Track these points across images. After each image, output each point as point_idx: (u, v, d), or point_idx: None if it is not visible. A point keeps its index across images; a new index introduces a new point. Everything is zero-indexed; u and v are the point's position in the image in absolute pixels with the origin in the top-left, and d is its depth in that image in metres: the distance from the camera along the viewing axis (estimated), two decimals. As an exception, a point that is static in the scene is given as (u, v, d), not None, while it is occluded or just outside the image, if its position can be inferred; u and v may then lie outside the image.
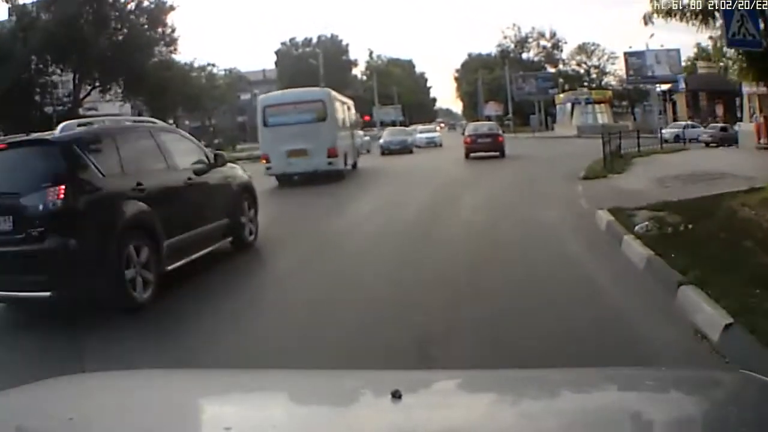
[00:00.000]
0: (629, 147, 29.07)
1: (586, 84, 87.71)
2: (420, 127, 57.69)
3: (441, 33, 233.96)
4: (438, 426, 1.97)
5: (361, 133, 40.21)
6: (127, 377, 2.64)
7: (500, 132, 33.78)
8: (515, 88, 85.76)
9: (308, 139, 19.93)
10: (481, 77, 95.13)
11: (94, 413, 2.08)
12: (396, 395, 1.93)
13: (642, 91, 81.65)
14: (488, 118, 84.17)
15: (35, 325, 7.11)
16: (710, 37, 18.24)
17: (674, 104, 63.09)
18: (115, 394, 2.27)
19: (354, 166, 24.51)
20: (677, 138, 41.34)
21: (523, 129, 73.01)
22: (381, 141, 40.03)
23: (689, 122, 48.41)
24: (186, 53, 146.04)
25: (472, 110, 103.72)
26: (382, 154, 37.43)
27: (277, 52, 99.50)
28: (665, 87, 65.16)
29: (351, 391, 2.26)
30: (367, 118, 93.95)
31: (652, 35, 66.07)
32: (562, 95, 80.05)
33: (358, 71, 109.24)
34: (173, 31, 45.30)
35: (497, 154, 30.22)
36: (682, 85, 61.48)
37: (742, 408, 2.07)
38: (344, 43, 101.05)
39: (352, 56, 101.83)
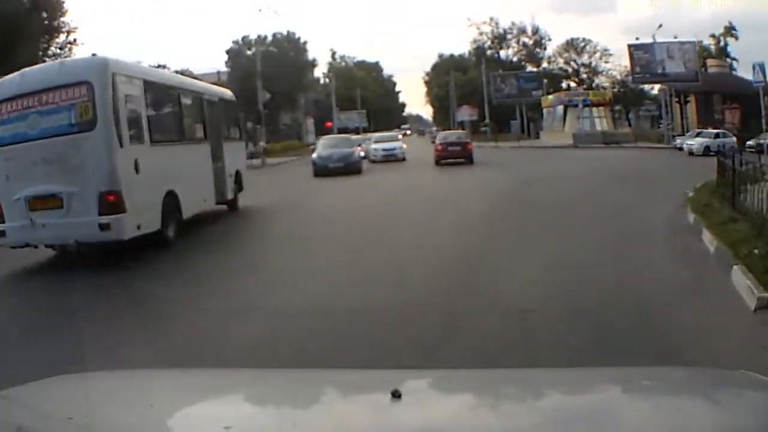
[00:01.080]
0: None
1: (575, 85, 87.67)
2: (376, 135, 49.65)
3: (412, 35, 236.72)
4: (438, 426, 2.13)
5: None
6: (127, 377, 2.82)
7: (469, 141, 39.74)
8: (493, 89, 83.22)
9: (59, 172, 11.70)
10: (453, 79, 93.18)
11: (94, 413, 2.23)
12: (396, 395, 2.08)
13: (638, 94, 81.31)
14: (461, 125, 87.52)
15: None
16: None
17: (682, 108, 61.45)
18: (115, 394, 2.48)
19: (232, 205, 18.16)
20: (707, 150, 38.34)
21: (503, 137, 71.35)
22: (313, 155, 33.22)
23: (719, 130, 44.87)
24: (134, 53, 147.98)
25: (443, 115, 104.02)
26: (316, 175, 31.21)
27: (228, 52, 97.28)
28: (659, 88, 64.21)
29: (351, 390, 2.47)
30: (328, 124, 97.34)
31: (660, 26, 61.41)
32: (550, 97, 77.33)
33: (319, 73, 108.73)
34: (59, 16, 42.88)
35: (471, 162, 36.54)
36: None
37: (742, 408, 2.24)
38: (302, 41, 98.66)
39: (312, 56, 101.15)
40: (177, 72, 75.78)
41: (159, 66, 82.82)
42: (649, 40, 59.73)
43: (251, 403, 2.45)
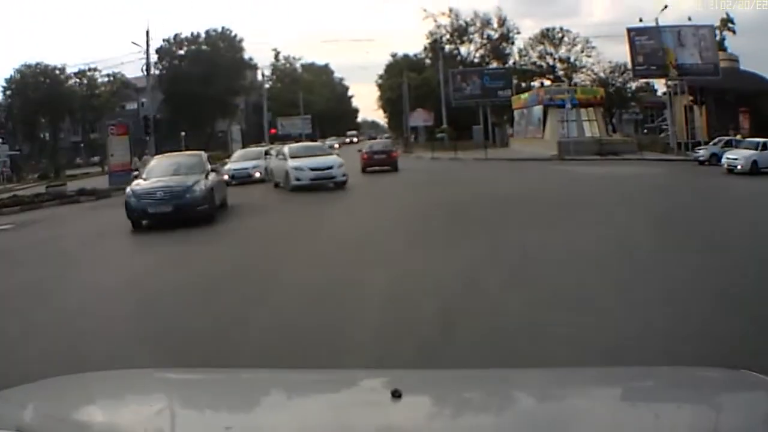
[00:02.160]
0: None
1: (549, 83, 75.96)
2: (292, 147, 34.02)
3: (369, 36, 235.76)
4: (438, 426, 2.30)
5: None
6: (126, 377, 2.96)
7: (394, 149, 43.79)
8: (452, 89, 74.70)
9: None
10: (407, 80, 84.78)
11: (94, 413, 2.38)
12: (396, 395, 2.20)
13: (624, 94, 75.91)
14: (414, 131, 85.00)
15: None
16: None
17: (687, 110, 53.15)
18: (115, 394, 2.61)
19: None
20: (755, 166, 32.57)
21: (464, 145, 62.22)
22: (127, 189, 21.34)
23: (761, 139, 35.35)
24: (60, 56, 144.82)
25: (397, 121, 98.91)
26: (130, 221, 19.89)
27: (158, 51, 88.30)
28: (668, 83, 55.14)
29: (351, 390, 2.63)
30: (273, 131, 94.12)
31: (665, 7, 55.33)
32: (525, 95, 69.06)
33: (260, 75, 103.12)
34: None
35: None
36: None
37: (742, 408, 2.35)
38: (238, 38, 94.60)
39: (249, 56, 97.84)
40: (107, 77, 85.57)
41: (89, 69, 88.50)
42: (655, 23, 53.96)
43: (251, 403, 2.53)
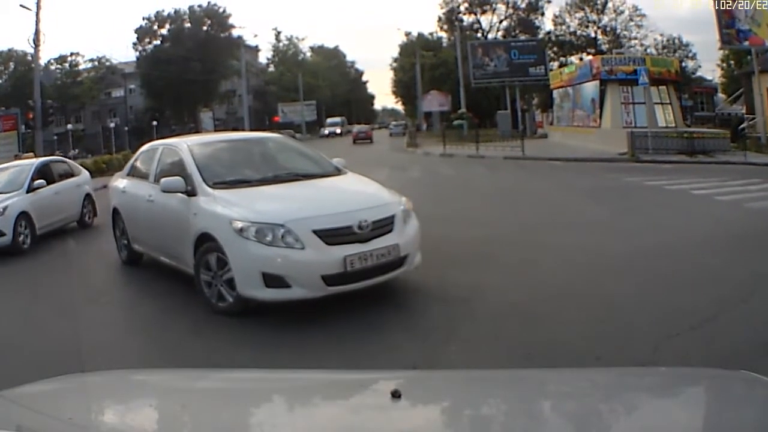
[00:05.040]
0: None
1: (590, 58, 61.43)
2: (199, 148, 11.97)
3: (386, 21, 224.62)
4: (438, 426, 2.37)
5: None
6: (126, 377, 3.09)
7: (369, 130, 73.22)
8: (471, 67, 63.22)
9: None
10: (420, 60, 76.86)
11: (94, 413, 2.47)
12: (396, 395, 2.27)
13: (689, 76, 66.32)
14: (428, 117, 79.01)
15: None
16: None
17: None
18: (115, 394, 2.71)
19: None
20: None
21: (487, 134, 50.36)
22: None
23: None
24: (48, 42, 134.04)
25: (411, 106, 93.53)
26: None
27: (137, 31, 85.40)
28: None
29: (351, 391, 2.67)
30: (276, 118, 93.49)
31: None
32: (569, 69, 54.92)
33: (263, 58, 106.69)
34: None
35: None
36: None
37: (742, 408, 2.40)
38: (226, 14, 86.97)
39: (256, 40, 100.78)
40: (91, 60, 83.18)
41: (71, 54, 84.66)
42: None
43: (251, 403, 2.63)
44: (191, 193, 10.09)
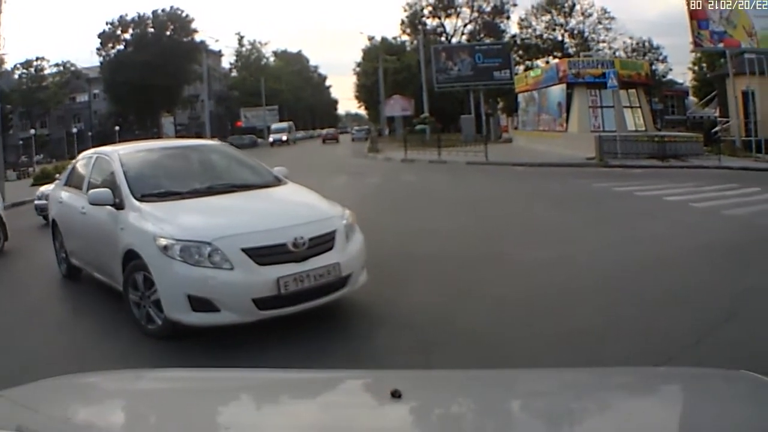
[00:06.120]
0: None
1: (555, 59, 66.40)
2: (130, 157, 11.44)
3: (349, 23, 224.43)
4: (438, 426, 2.39)
5: None
6: (126, 377, 3.13)
7: (336, 133, 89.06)
8: (435, 71, 63.62)
9: None
10: (383, 64, 75.72)
11: (94, 413, 2.51)
12: (396, 395, 2.30)
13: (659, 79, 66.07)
14: (391, 122, 77.85)
15: None
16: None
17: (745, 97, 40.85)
18: (114, 394, 2.75)
19: None
20: None
21: (450, 139, 50.76)
22: None
23: None
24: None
25: (375, 111, 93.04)
26: None
27: (101, 36, 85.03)
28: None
29: (351, 391, 2.73)
30: (239, 123, 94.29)
31: None
32: (535, 73, 54.54)
33: (226, 63, 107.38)
34: None
35: None
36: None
37: (742, 408, 2.43)
38: (189, 18, 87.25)
39: (220, 45, 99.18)
40: (57, 65, 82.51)
41: (37, 59, 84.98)
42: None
43: (251, 403, 2.71)
44: (119, 206, 9.37)
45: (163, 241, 8.20)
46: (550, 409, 2.44)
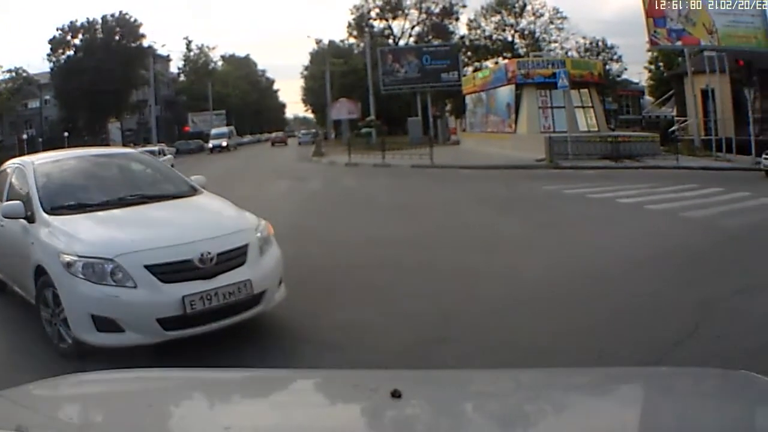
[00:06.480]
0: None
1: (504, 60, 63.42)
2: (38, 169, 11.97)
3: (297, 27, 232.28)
4: (438, 426, 2.38)
5: None
6: (126, 377, 3.10)
7: (284, 136, 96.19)
8: (382, 73, 63.39)
9: None
10: (330, 67, 75.97)
11: (94, 413, 2.49)
12: (396, 395, 2.32)
13: (613, 79, 64.80)
14: (338, 126, 78.13)
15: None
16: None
17: (705, 95, 41.10)
18: (114, 394, 2.73)
19: None
20: None
21: (397, 142, 49.51)
22: None
23: None
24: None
25: (322, 115, 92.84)
26: None
27: (51, 41, 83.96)
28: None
29: (351, 391, 2.69)
30: (186, 128, 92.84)
31: None
32: (483, 74, 53.91)
33: (175, 68, 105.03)
34: None
35: None
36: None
37: (742, 408, 2.41)
38: (137, 23, 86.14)
39: (168, 50, 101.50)
40: (9, 71, 78.69)
41: None
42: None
43: (251, 403, 2.70)
44: (30, 219, 8.89)
45: (66, 258, 7.76)
46: (549, 409, 2.47)
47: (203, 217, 9.37)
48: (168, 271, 7.61)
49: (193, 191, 9.93)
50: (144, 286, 7.51)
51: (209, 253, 7.75)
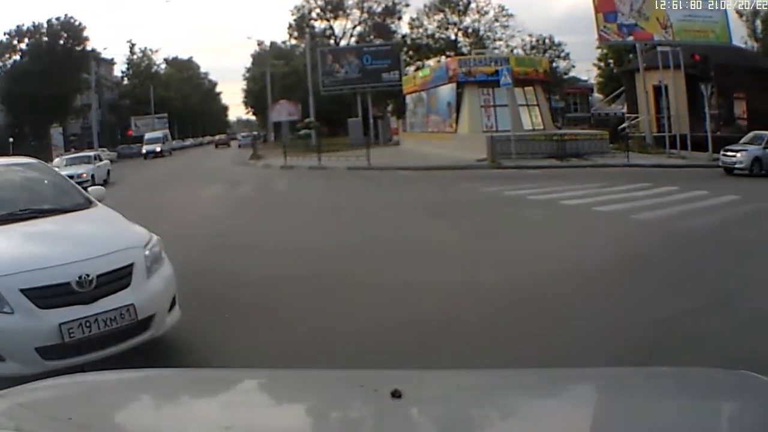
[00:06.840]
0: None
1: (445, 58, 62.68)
2: None
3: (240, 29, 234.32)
4: (438, 426, 2.36)
5: None
6: (126, 377, 3.10)
7: (227, 140, 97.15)
8: (321, 74, 62.88)
9: None
10: (271, 69, 74.92)
11: (94, 413, 2.47)
12: (396, 395, 2.28)
13: (559, 77, 64.56)
14: (277, 127, 76.74)
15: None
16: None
17: (657, 92, 40.96)
18: (115, 394, 2.71)
19: None
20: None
21: (336, 143, 49.82)
22: None
23: None
24: None
25: (263, 117, 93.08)
26: None
27: None
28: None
29: (351, 391, 2.67)
30: (129, 132, 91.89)
31: None
32: (423, 73, 53.57)
33: (118, 71, 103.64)
34: None
35: None
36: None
37: (742, 408, 2.42)
38: (81, 26, 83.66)
39: (112, 53, 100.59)
40: None
41: None
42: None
43: (251, 403, 2.68)
44: None
45: None
46: (550, 408, 2.45)
47: (88, 234, 8.62)
48: (45, 296, 6.94)
49: (88, 204, 9.28)
50: (21, 312, 6.85)
51: (88, 275, 7.09)
